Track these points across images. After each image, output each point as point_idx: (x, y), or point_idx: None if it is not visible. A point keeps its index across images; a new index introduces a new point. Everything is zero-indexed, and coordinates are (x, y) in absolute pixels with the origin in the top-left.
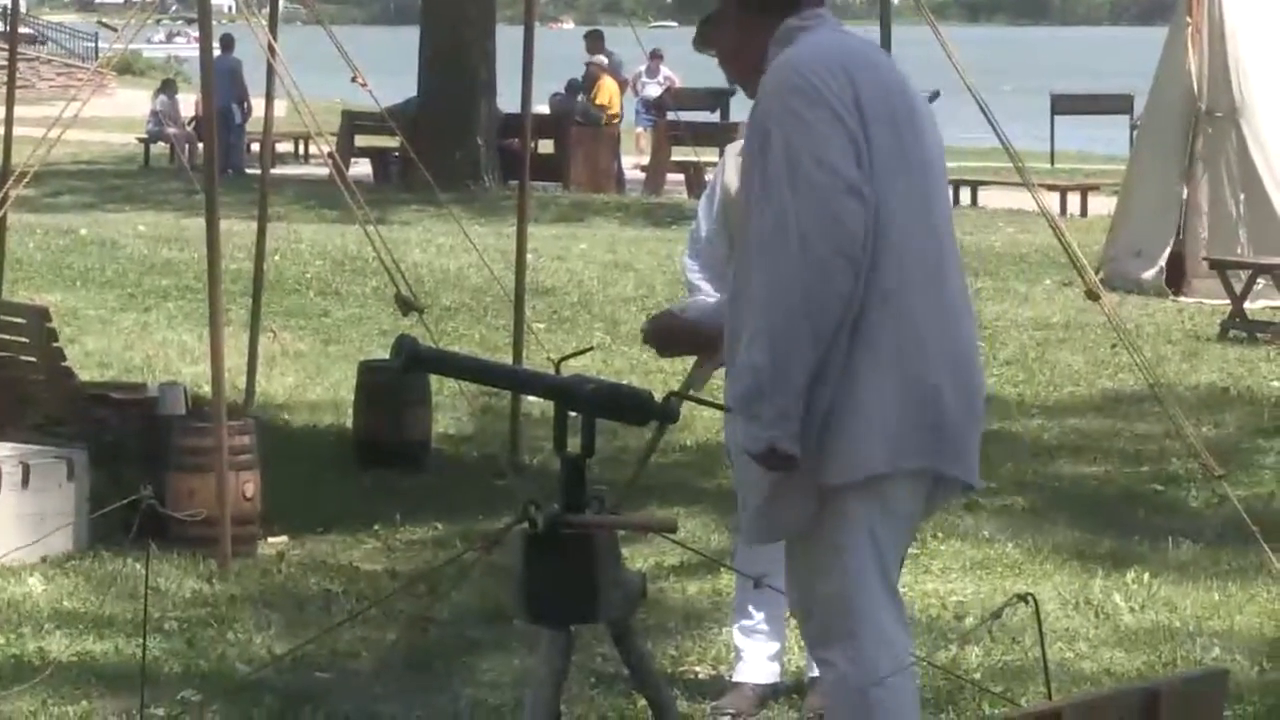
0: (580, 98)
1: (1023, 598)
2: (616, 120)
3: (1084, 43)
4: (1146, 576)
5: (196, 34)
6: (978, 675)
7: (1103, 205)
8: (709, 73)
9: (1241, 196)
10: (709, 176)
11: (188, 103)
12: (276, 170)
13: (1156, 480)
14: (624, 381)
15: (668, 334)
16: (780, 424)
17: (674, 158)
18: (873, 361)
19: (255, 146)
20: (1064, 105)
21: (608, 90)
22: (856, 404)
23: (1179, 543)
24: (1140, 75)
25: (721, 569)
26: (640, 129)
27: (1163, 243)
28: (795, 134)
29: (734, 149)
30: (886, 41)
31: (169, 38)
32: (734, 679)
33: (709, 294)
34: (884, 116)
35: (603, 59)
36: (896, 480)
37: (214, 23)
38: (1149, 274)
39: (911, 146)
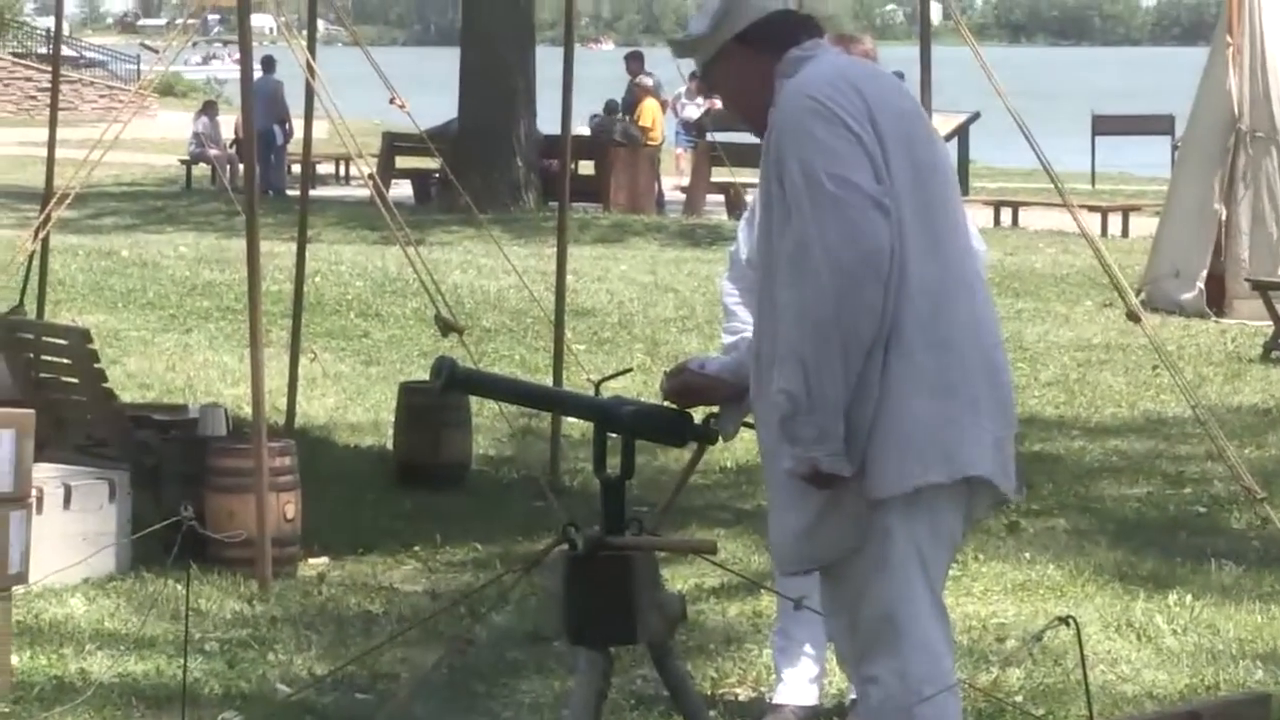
0: (623, 118)
1: (1064, 620)
2: (657, 142)
3: (1125, 63)
4: (1189, 599)
5: (234, 55)
6: (1019, 697)
7: (1144, 226)
8: None
9: None
10: (749, 197)
11: (229, 124)
12: (317, 192)
13: (1198, 502)
14: (663, 403)
15: (687, 390)
16: (821, 443)
17: (713, 179)
18: (909, 373)
19: (296, 168)
20: (1105, 126)
21: (650, 111)
22: (896, 416)
23: (1221, 565)
24: (1182, 96)
25: (762, 590)
26: (680, 150)
27: (1199, 264)
28: (811, 153)
29: None
30: (926, 62)
31: (205, 60)
32: (774, 701)
33: (744, 320)
34: (897, 131)
35: (647, 80)
36: (941, 492)
37: (255, 44)
38: (1189, 295)
39: (926, 159)
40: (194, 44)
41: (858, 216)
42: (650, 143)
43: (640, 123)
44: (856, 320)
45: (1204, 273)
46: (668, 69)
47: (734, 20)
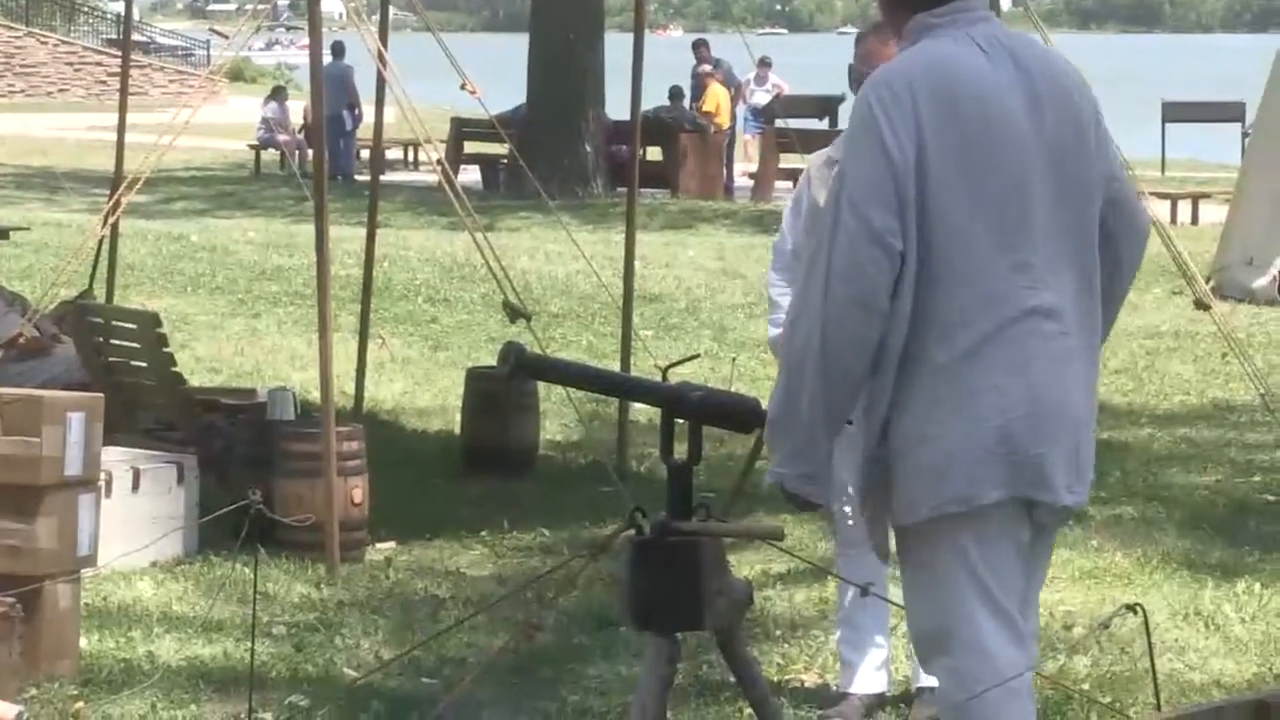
0: (693, 106)
1: (1131, 608)
2: (724, 128)
3: (1196, 51)
4: (1257, 587)
5: (299, 42)
6: (1086, 685)
7: (1214, 213)
8: (817, 80)
9: None
10: None
11: (299, 109)
12: (386, 177)
13: (1268, 490)
14: (731, 388)
15: None
16: (791, 463)
17: (782, 165)
18: (934, 399)
19: (365, 153)
20: (1175, 113)
21: (713, 98)
22: (921, 442)
23: None
24: (1253, 83)
25: (828, 576)
26: (749, 136)
27: (1274, 251)
28: (846, 169)
29: (818, 160)
30: None
31: (269, 46)
32: (841, 688)
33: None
34: (956, 142)
35: (708, 67)
36: (975, 514)
37: (324, 30)
38: (1260, 282)
39: (999, 168)
40: (258, 29)
41: (860, 250)
42: (717, 129)
43: (704, 109)
44: (840, 352)
45: (1277, 260)
46: (738, 55)
47: None
